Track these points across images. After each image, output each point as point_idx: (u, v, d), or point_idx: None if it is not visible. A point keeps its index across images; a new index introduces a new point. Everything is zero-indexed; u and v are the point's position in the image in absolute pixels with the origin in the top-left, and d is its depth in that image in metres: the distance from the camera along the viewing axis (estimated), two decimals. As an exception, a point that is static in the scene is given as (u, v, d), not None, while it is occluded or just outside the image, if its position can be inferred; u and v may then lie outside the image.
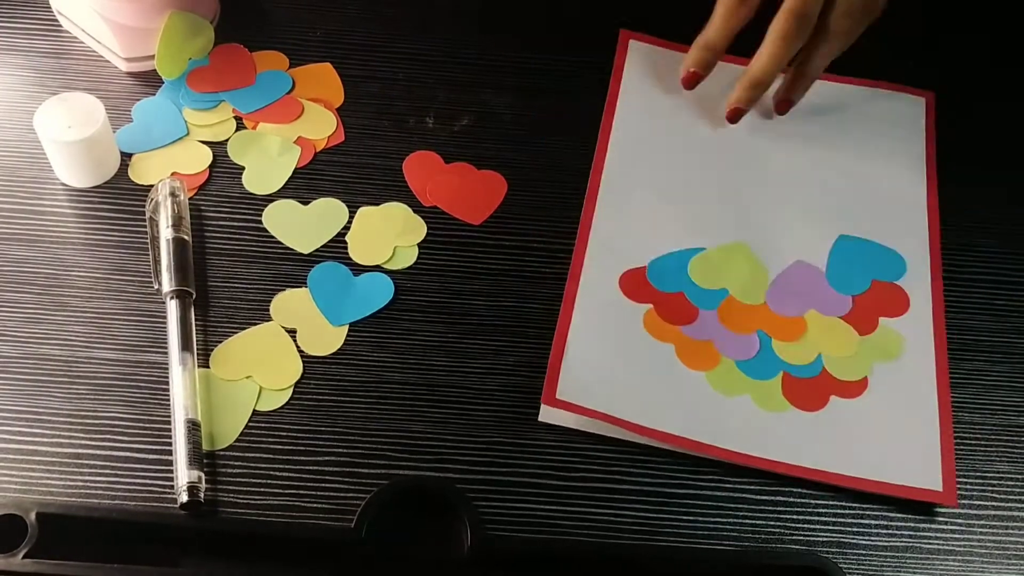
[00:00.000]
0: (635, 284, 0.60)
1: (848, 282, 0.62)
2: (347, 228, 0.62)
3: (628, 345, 0.58)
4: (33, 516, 0.49)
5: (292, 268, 0.60)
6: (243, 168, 0.64)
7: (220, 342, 0.57)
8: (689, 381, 0.57)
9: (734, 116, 0.66)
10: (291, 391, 0.56)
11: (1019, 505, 0.55)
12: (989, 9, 0.77)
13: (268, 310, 0.58)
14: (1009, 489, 0.55)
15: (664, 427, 0.55)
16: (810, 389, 0.58)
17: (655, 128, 0.68)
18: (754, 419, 0.56)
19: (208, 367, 0.56)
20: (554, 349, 0.57)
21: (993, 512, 0.55)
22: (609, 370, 0.57)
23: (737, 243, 0.63)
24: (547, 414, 0.55)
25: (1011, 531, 0.54)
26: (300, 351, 0.57)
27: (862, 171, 0.67)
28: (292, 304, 0.59)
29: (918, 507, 0.55)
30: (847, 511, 0.54)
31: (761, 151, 0.67)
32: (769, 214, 0.64)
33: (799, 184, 0.66)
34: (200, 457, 0.52)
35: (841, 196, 0.66)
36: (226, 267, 0.60)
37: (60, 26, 0.70)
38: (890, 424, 0.57)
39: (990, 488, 0.56)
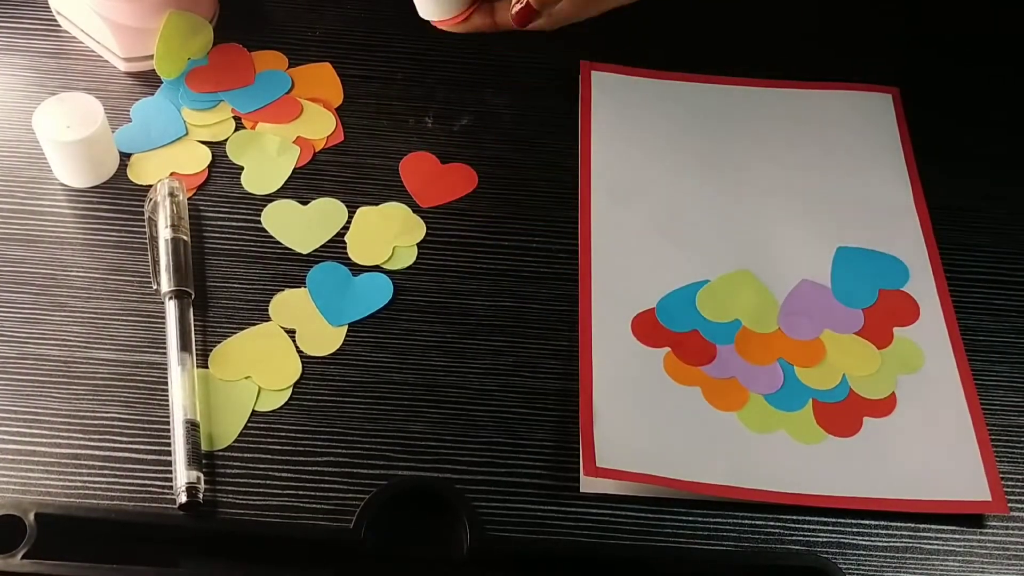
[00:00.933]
0: (648, 327, 0.59)
1: (855, 295, 0.61)
2: (346, 228, 0.62)
3: (655, 396, 0.57)
4: (32, 517, 0.49)
5: (291, 268, 0.60)
6: (242, 168, 0.64)
7: (219, 342, 0.57)
8: (722, 424, 0.56)
9: (522, 18, 0.59)
10: (290, 391, 0.56)
11: (1019, 505, 0.55)
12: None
13: (267, 310, 0.58)
14: (1009, 489, 0.55)
15: (709, 478, 0.53)
16: (841, 414, 0.57)
17: (635, 164, 0.66)
18: (793, 454, 0.55)
19: (207, 367, 0.56)
20: (583, 415, 0.55)
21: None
22: (642, 427, 0.55)
23: (740, 271, 0.62)
24: (589, 484, 0.53)
25: (1011, 531, 0.54)
26: (299, 351, 0.57)
27: (846, 177, 0.67)
28: (291, 304, 0.59)
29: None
30: (847, 511, 0.54)
31: (743, 172, 0.66)
32: (764, 236, 0.63)
33: (786, 201, 0.65)
34: (199, 457, 0.52)
35: (830, 206, 0.65)
36: (225, 267, 0.60)
37: (59, 26, 0.70)
38: (925, 439, 0.56)
39: (990, 488, 0.56)
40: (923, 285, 0.62)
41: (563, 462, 0.54)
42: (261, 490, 0.52)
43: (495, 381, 0.57)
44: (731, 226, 0.64)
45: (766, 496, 0.53)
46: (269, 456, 0.53)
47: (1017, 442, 0.57)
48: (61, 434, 0.53)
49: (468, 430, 0.55)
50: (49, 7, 0.69)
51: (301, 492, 0.52)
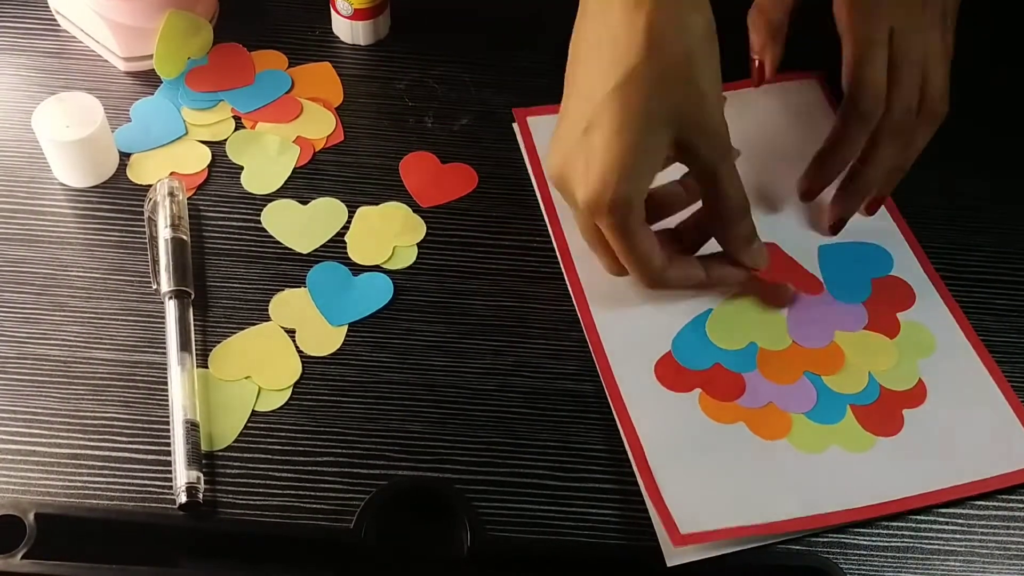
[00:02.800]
0: (671, 372, 0.57)
1: (851, 291, 0.61)
2: (346, 228, 0.62)
3: (704, 443, 0.55)
4: (31, 517, 0.49)
5: (291, 268, 0.60)
6: (242, 168, 0.64)
7: (219, 342, 0.57)
8: (777, 454, 0.55)
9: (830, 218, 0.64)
10: (290, 391, 0.56)
11: (1019, 505, 0.55)
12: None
13: (267, 310, 0.58)
14: (1009, 488, 0.55)
15: (784, 515, 0.53)
16: (881, 413, 0.57)
17: None
18: (853, 466, 0.55)
19: (207, 367, 0.56)
20: (646, 485, 0.53)
21: (993, 512, 0.55)
22: (705, 479, 0.54)
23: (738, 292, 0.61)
24: (676, 555, 0.51)
25: (1012, 531, 0.54)
26: (299, 351, 0.57)
27: (799, 172, 0.65)
28: (291, 304, 0.59)
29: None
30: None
31: None
32: None
33: (755, 209, 0.62)
34: (199, 457, 0.52)
35: (795, 205, 0.65)
36: (225, 267, 0.60)
37: (59, 26, 0.70)
38: (963, 417, 0.57)
39: (990, 488, 0.56)
40: (908, 264, 0.63)
41: (564, 462, 0.54)
42: (261, 490, 0.52)
43: (495, 381, 0.57)
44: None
45: (842, 517, 0.53)
46: (269, 456, 0.53)
47: None
48: (61, 434, 0.53)
49: (468, 430, 0.55)
50: (49, 7, 0.69)
51: (301, 492, 0.52)
